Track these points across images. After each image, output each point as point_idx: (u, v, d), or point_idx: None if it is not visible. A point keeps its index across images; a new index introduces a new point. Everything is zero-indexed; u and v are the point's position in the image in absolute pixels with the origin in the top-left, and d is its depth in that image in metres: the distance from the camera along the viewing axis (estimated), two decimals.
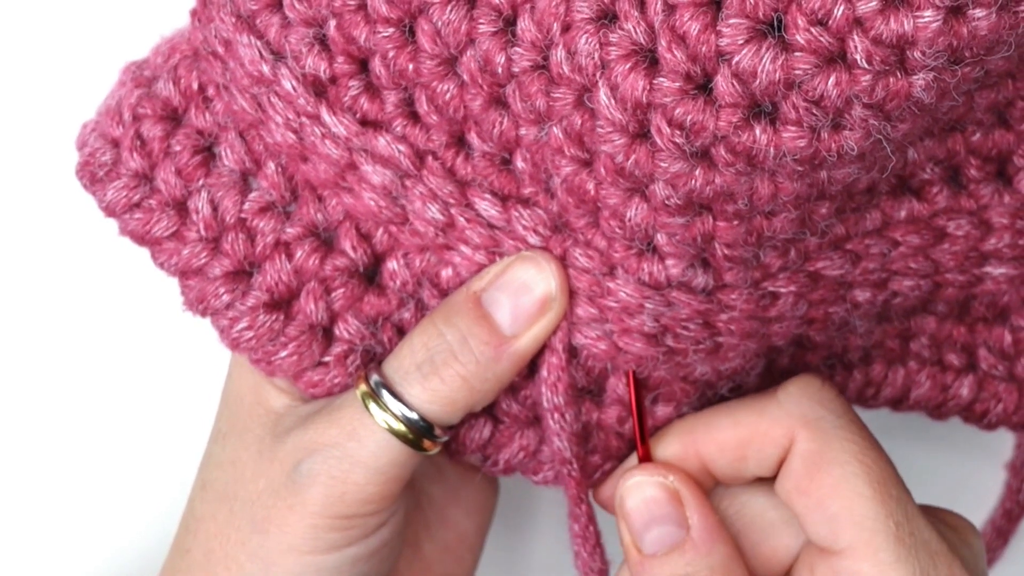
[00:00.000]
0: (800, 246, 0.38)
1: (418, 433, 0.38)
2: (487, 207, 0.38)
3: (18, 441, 0.54)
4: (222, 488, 0.40)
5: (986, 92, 0.37)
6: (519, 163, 0.37)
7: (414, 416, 0.38)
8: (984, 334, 0.43)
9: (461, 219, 0.38)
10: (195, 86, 0.40)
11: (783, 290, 0.38)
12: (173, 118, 0.40)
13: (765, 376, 0.43)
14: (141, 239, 0.40)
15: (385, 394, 0.38)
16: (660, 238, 0.36)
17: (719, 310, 0.38)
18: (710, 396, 0.41)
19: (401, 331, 0.40)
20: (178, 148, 0.40)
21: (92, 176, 0.41)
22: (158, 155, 0.40)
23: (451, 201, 0.38)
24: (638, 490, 0.38)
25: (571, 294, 0.38)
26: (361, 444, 0.38)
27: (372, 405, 0.38)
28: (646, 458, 0.39)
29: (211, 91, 0.40)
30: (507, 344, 0.38)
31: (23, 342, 0.53)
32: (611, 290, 0.38)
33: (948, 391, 0.44)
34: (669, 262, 0.37)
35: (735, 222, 0.36)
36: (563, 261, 0.38)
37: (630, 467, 0.39)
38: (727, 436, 0.38)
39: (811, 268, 0.39)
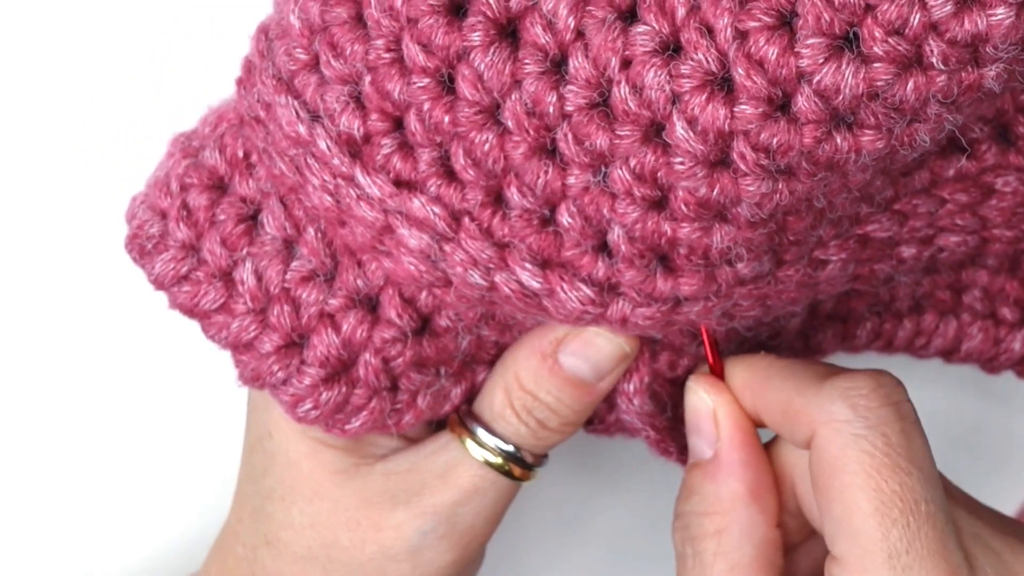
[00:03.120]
0: (853, 216, 0.37)
1: (521, 464, 0.40)
2: (528, 278, 0.35)
3: (19, 445, 0.53)
4: (303, 551, 0.40)
5: None
6: (564, 219, 0.34)
7: (511, 449, 0.39)
8: None
9: (505, 288, 0.35)
10: (240, 153, 0.39)
11: (833, 257, 0.37)
12: (219, 187, 0.39)
13: (808, 320, 0.43)
14: (190, 312, 0.39)
15: (482, 433, 0.39)
16: (740, 252, 0.34)
17: (774, 286, 0.36)
18: (747, 339, 0.40)
19: (464, 356, 0.40)
20: (223, 217, 0.38)
21: (141, 249, 0.40)
22: (204, 225, 0.39)
23: (492, 266, 0.35)
24: (690, 393, 0.39)
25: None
26: (484, 496, 0.39)
27: (471, 444, 0.39)
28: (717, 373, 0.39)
29: (254, 158, 0.39)
30: (595, 389, 0.39)
31: (24, 342, 0.53)
32: (679, 319, 0.36)
33: (1000, 344, 0.44)
34: (740, 265, 0.35)
35: (805, 215, 0.34)
36: (623, 324, 0.36)
37: (696, 373, 0.40)
38: (772, 397, 0.37)
39: (860, 232, 0.38)
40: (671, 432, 0.41)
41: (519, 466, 0.39)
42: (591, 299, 0.35)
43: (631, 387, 0.40)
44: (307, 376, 0.38)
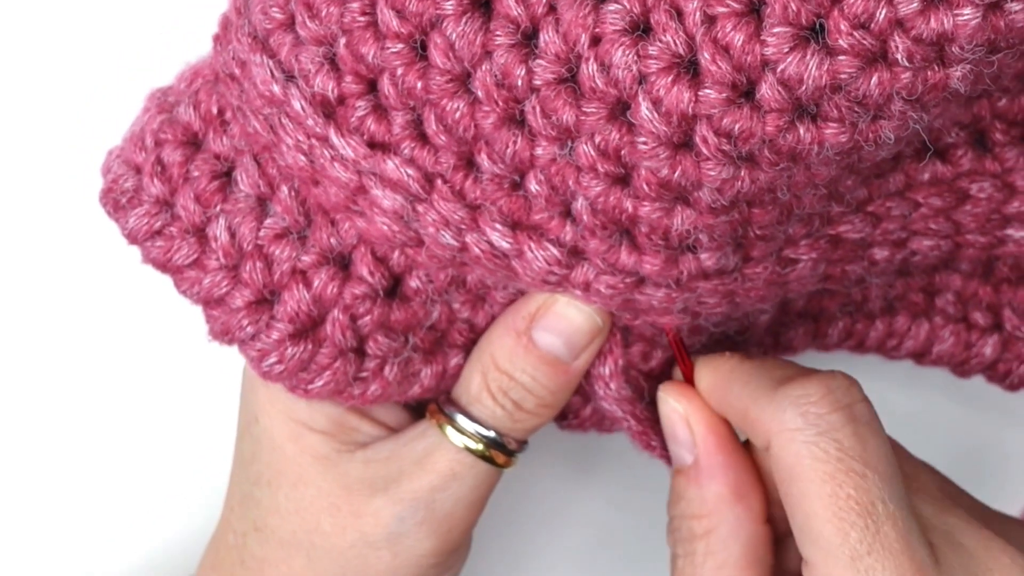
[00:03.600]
0: (824, 215, 0.37)
1: (502, 450, 0.40)
2: (498, 238, 0.35)
3: (18, 446, 0.53)
4: (288, 536, 0.40)
5: (1013, 62, 0.35)
6: (532, 186, 0.35)
7: (492, 435, 0.39)
8: (1009, 295, 0.44)
9: (475, 248, 0.36)
10: (214, 110, 0.39)
11: (804, 257, 0.38)
12: (193, 143, 0.39)
13: (778, 316, 0.43)
14: (163, 267, 0.39)
15: (461, 419, 0.39)
16: (702, 238, 0.35)
17: (741, 283, 0.37)
18: (715, 334, 0.41)
19: (432, 329, 0.40)
20: (196, 174, 0.38)
21: (115, 203, 0.40)
22: (178, 180, 0.39)
23: (463, 227, 0.36)
24: (661, 403, 0.39)
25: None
26: (463, 481, 0.39)
27: (450, 430, 0.39)
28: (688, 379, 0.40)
29: (229, 115, 0.39)
30: (570, 368, 0.39)
31: (20, 342, 0.53)
32: (641, 301, 0.37)
33: (972, 349, 0.44)
34: (705, 255, 0.35)
35: (770, 207, 0.35)
36: (585, 288, 0.37)
37: (665, 382, 0.40)
38: (733, 404, 0.37)
39: (832, 232, 0.38)
40: (652, 424, 0.41)
41: (499, 452, 0.39)
42: (557, 259, 0.36)
43: (606, 370, 0.40)
44: (275, 331, 0.38)
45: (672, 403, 0.39)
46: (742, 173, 0.33)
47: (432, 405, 0.40)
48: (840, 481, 0.34)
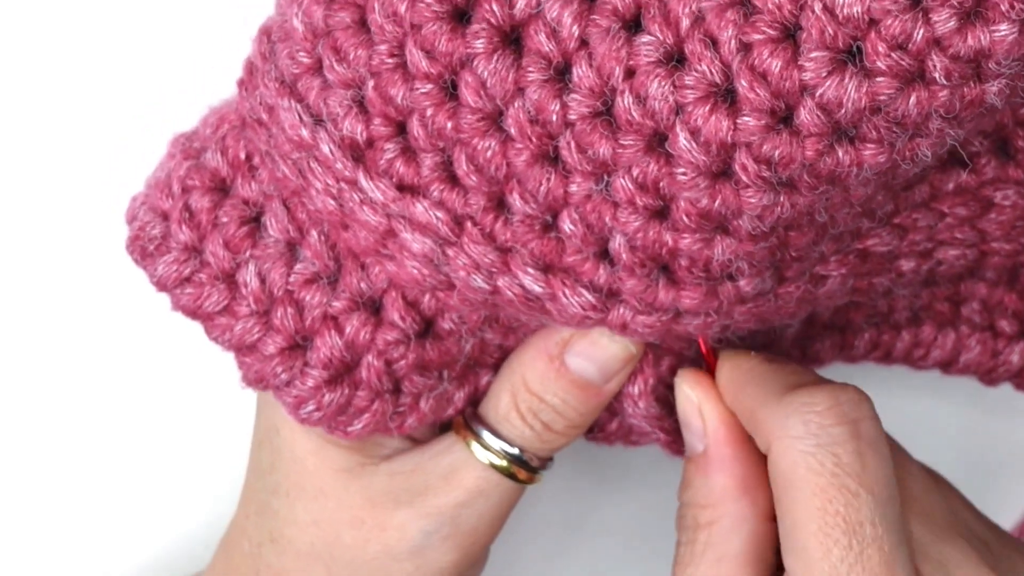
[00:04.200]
0: (855, 231, 0.37)
1: (527, 468, 0.40)
2: (531, 282, 0.35)
3: (27, 445, 0.53)
4: (307, 548, 0.40)
5: None
6: (567, 226, 0.34)
7: (516, 452, 0.39)
8: None
9: (508, 292, 0.35)
10: (242, 156, 0.39)
11: (834, 273, 0.38)
12: (222, 189, 0.39)
13: (805, 328, 0.43)
14: (193, 314, 0.39)
15: (487, 436, 0.39)
16: (742, 266, 0.34)
17: (775, 303, 0.37)
18: (741, 345, 0.41)
19: (467, 359, 0.40)
20: (225, 219, 0.38)
21: (143, 251, 0.40)
22: (206, 227, 0.38)
23: (494, 270, 0.35)
24: (676, 389, 0.39)
25: None
26: (488, 498, 0.39)
27: (476, 446, 0.39)
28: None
29: (257, 160, 0.38)
30: (602, 391, 0.39)
31: (30, 342, 0.52)
32: (678, 331, 0.36)
33: (999, 357, 0.44)
34: (743, 282, 0.35)
35: (807, 230, 0.34)
36: (623, 328, 0.36)
37: (683, 368, 0.40)
38: (742, 403, 0.37)
39: (860, 246, 0.38)
40: (680, 433, 0.41)
41: (524, 469, 0.39)
42: (592, 304, 0.35)
43: (636, 390, 0.40)
44: (310, 378, 0.38)
45: (687, 391, 0.38)
46: (782, 199, 0.32)
47: (459, 419, 0.40)
48: (831, 496, 0.33)
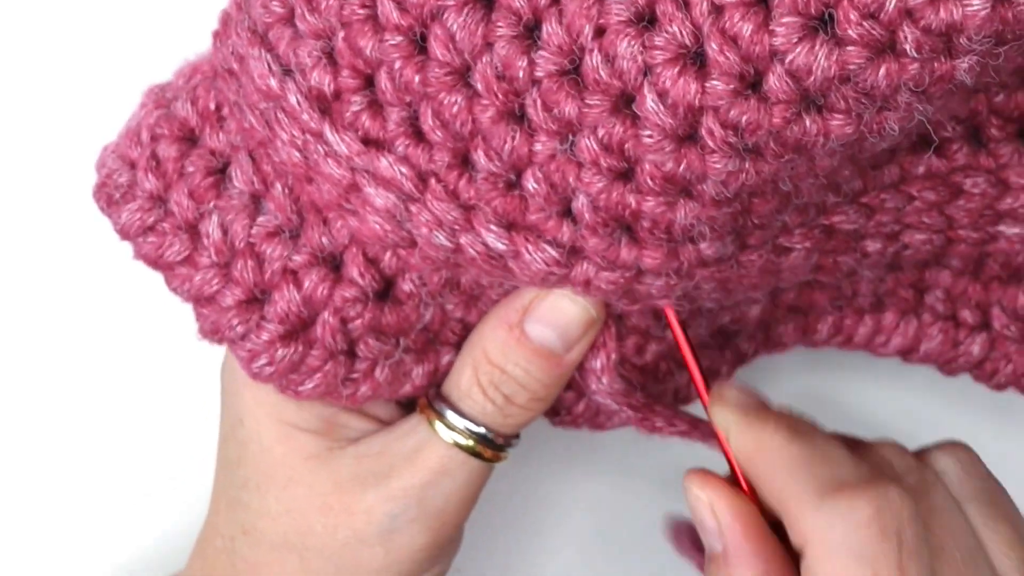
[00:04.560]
0: (820, 204, 0.37)
1: (492, 447, 0.39)
2: (494, 239, 0.35)
3: (6, 446, 0.53)
4: (280, 538, 0.40)
5: (1015, 56, 0.34)
6: (530, 184, 0.34)
7: (482, 431, 0.39)
8: (999, 293, 0.43)
9: (470, 250, 0.35)
10: (212, 106, 0.38)
11: (798, 246, 0.37)
12: (190, 139, 0.39)
13: (769, 310, 0.43)
14: (154, 263, 0.39)
15: (451, 415, 0.39)
16: (704, 230, 0.34)
17: (737, 270, 0.36)
18: (712, 326, 0.41)
19: (424, 330, 0.39)
20: (191, 169, 0.38)
21: (108, 198, 0.39)
22: (172, 176, 0.38)
23: (457, 228, 0.35)
24: (687, 493, 0.38)
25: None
26: (454, 478, 0.39)
27: (440, 426, 0.39)
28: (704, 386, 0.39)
29: (226, 111, 0.38)
30: (563, 360, 0.39)
31: (10, 343, 0.52)
32: (640, 290, 0.36)
33: (959, 347, 0.44)
34: (704, 245, 0.35)
35: (770, 197, 0.34)
36: (585, 285, 0.36)
37: (689, 470, 0.39)
38: (774, 491, 0.37)
39: (826, 222, 0.37)
40: (650, 409, 0.41)
41: (489, 447, 0.39)
42: (556, 260, 0.35)
43: (598, 364, 0.40)
44: (265, 331, 0.38)
45: (696, 492, 0.38)
46: (747, 165, 0.32)
47: (422, 399, 0.40)
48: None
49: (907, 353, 0.45)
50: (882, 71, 0.30)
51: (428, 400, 0.40)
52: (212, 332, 0.38)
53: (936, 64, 0.30)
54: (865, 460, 0.37)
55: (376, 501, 0.39)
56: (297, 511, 0.39)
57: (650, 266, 0.35)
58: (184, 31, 0.43)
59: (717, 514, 0.37)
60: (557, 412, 0.43)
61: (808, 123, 0.31)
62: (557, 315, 0.38)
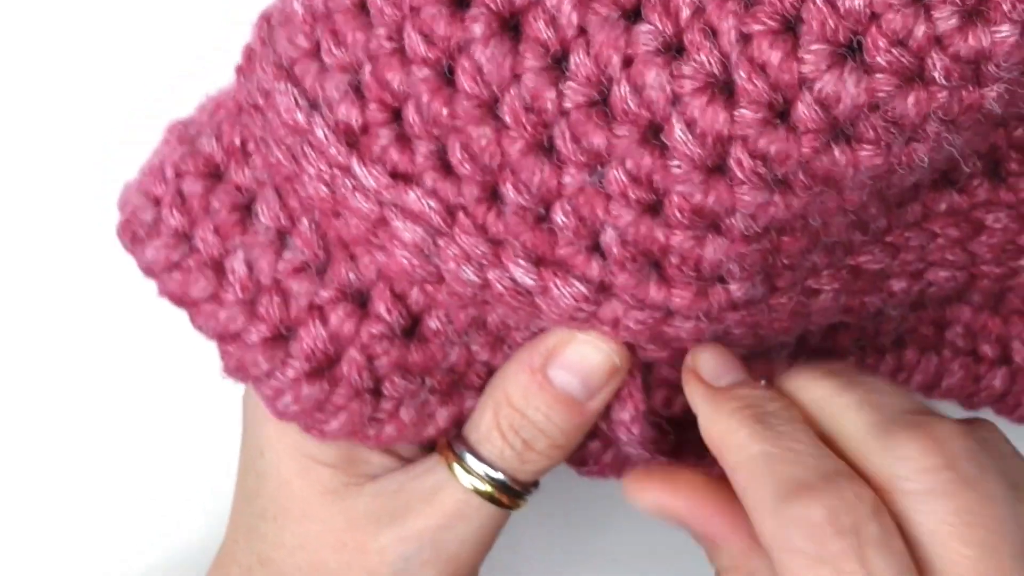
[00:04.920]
0: (846, 244, 0.37)
1: (510, 493, 0.39)
2: (522, 274, 0.35)
3: (13, 456, 0.52)
4: (293, 571, 0.39)
5: None
6: (559, 218, 0.34)
7: (501, 477, 0.38)
8: (1019, 327, 0.43)
9: (498, 285, 0.35)
10: (237, 142, 0.38)
11: (826, 287, 0.37)
12: (215, 175, 0.38)
13: (796, 352, 0.42)
14: (179, 300, 0.38)
15: (471, 459, 0.38)
16: (733, 268, 0.34)
17: (768, 314, 0.36)
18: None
19: (450, 372, 0.39)
20: (217, 205, 0.38)
21: (133, 235, 0.39)
22: (198, 212, 0.38)
23: (485, 263, 0.35)
24: (639, 504, 0.38)
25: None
26: (470, 522, 0.38)
27: (459, 470, 0.38)
28: None
29: (251, 146, 0.38)
30: (585, 408, 0.38)
31: (22, 350, 0.52)
32: (669, 333, 0.36)
33: (980, 382, 0.44)
34: (734, 286, 0.35)
35: (800, 235, 0.34)
36: (614, 326, 0.36)
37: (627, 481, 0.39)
38: (739, 485, 0.37)
39: (852, 263, 0.37)
40: (681, 452, 0.40)
41: (506, 494, 0.38)
42: (585, 296, 0.35)
43: (627, 415, 0.39)
44: (291, 368, 0.37)
45: (646, 503, 0.38)
46: (776, 198, 0.32)
47: (442, 440, 0.39)
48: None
49: (929, 389, 0.45)
50: (911, 99, 0.30)
51: (448, 441, 0.39)
52: (237, 370, 0.38)
53: (965, 92, 0.30)
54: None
55: (390, 541, 0.38)
56: (311, 546, 0.39)
57: (679, 306, 0.35)
58: (206, 63, 0.43)
59: (674, 511, 0.37)
60: (584, 462, 0.43)
61: (837, 153, 0.31)
62: (580, 362, 0.37)
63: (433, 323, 0.38)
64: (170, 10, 0.50)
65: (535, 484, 0.40)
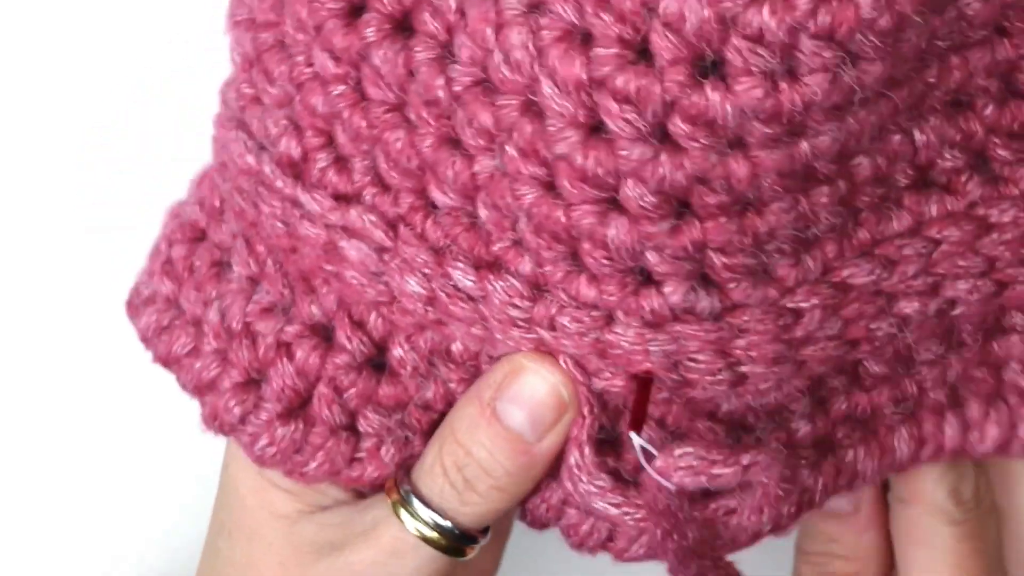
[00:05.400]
0: (816, 253, 0.34)
1: (456, 541, 0.37)
2: (461, 276, 0.34)
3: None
4: None
5: (977, 51, 0.32)
6: (481, 211, 0.34)
7: (448, 525, 0.37)
8: None
9: (442, 293, 0.35)
10: (217, 203, 0.41)
11: (804, 305, 0.34)
12: (200, 239, 0.41)
13: (822, 424, 0.38)
14: (165, 361, 0.40)
15: (417, 503, 0.37)
16: (651, 257, 0.32)
17: (732, 335, 0.33)
18: (747, 439, 0.36)
19: (428, 409, 0.38)
20: (198, 263, 0.40)
21: (135, 310, 0.41)
22: (183, 275, 0.40)
23: (427, 271, 0.35)
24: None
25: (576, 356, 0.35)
26: (404, 563, 0.37)
27: (404, 514, 0.37)
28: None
29: (225, 204, 0.40)
30: (533, 449, 0.36)
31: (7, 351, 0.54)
32: (612, 342, 0.34)
33: None
34: (667, 288, 0.33)
35: (722, 219, 0.32)
36: (552, 328, 0.35)
37: None
38: None
39: (836, 279, 0.34)
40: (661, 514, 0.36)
41: (446, 537, 0.37)
42: (519, 291, 0.34)
43: (573, 460, 0.36)
44: (264, 411, 0.38)
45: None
46: (662, 156, 0.30)
47: (390, 480, 0.38)
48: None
49: (1006, 445, 0.40)
50: (766, 9, 0.28)
51: (395, 480, 0.38)
52: (212, 418, 0.39)
53: (833, 2, 0.28)
54: None
55: (326, 572, 0.37)
56: (255, 567, 0.39)
57: (609, 304, 0.33)
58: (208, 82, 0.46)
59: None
60: (524, 514, 0.39)
61: (709, 90, 0.29)
62: (527, 393, 0.36)
63: (397, 351, 0.38)
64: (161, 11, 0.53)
65: (484, 533, 0.38)
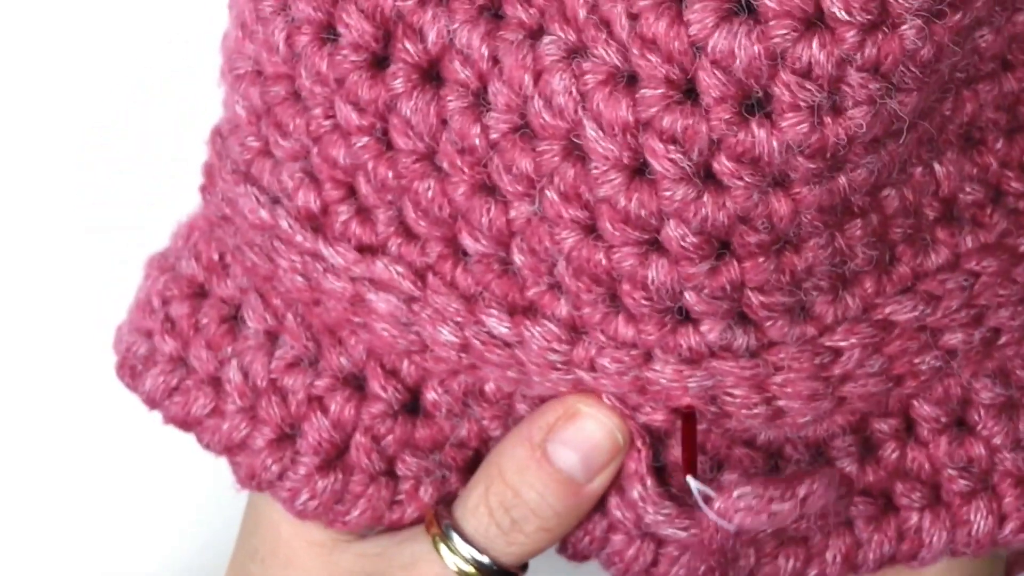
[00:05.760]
0: (855, 290, 0.34)
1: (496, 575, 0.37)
2: (495, 323, 0.34)
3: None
4: None
5: (986, 84, 0.33)
6: (517, 257, 0.34)
7: (486, 561, 0.37)
8: None
9: (476, 341, 0.35)
10: (215, 257, 0.39)
11: (843, 344, 0.34)
12: (200, 294, 0.40)
13: (866, 460, 0.37)
14: (184, 423, 0.39)
15: (457, 539, 0.37)
16: (689, 297, 0.32)
17: (769, 372, 0.34)
18: (784, 468, 0.36)
19: (463, 447, 0.38)
20: (205, 321, 0.39)
21: (132, 371, 0.40)
22: (188, 333, 0.39)
23: (460, 320, 0.35)
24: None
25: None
26: None
27: (444, 549, 0.37)
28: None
29: (228, 258, 0.39)
30: (583, 491, 0.37)
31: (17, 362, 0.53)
32: (651, 379, 0.34)
33: None
34: (704, 326, 0.33)
35: (761, 258, 0.32)
36: (592, 368, 0.35)
37: None
38: None
39: (879, 317, 0.34)
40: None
41: (487, 575, 0.37)
42: (556, 335, 0.34)
43: (636, 493, 0.36)
44: (302, 466, 0.38)
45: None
46: (704, 197, 0.30)
47: (430, 513, 0.38)
48: None
49: None
50: (815, 43, 0.28)
51: (436, 514, 0.38)
52: (249, 478, 0.38)
53: (879, 35, 0.29)
54: None
55: None
56: None
57: (648, 343, 0.33)
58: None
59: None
60: (565, 545, 0.39)
61: (755, 127, 0.29)
62: (582, 438, 0.36)
63: (431, 395, 0.38)
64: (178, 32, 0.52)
65: (523, 568, 0.38)
